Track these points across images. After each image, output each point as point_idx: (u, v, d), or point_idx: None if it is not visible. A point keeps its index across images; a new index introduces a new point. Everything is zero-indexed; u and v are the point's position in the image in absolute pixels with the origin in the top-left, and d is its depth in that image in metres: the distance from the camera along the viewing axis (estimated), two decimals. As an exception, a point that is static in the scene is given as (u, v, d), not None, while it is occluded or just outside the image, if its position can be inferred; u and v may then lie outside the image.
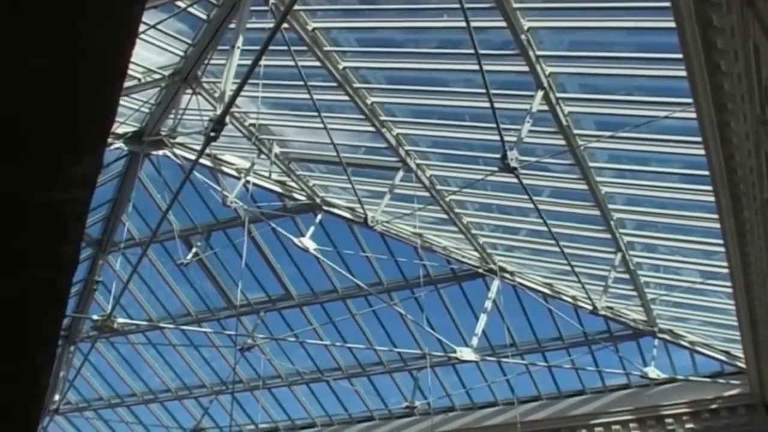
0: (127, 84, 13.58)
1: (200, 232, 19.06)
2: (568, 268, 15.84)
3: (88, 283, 20.19)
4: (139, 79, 14.48)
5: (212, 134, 12.12)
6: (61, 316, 1.76)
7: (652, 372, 18.19)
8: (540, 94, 11.82)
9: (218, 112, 12.45)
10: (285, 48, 12.23)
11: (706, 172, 10.89)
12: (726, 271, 13.53)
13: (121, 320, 17.88)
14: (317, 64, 13.07)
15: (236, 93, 11.58)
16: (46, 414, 21.31)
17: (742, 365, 17.73)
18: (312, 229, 17.34)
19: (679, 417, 19.16)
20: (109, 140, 14.83)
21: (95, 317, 17.96)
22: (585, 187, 13.91)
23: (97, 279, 19.71)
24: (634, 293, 17.23)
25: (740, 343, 16.29)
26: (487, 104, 11.22)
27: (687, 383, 18.94)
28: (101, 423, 24.45)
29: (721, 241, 12.60)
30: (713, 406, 18.91)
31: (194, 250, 18.54)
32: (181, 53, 14.16)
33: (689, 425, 19.07)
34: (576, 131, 12.64)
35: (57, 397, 21.84)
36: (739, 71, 8.28)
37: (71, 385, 22.00)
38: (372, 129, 14.53)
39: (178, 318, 21.11)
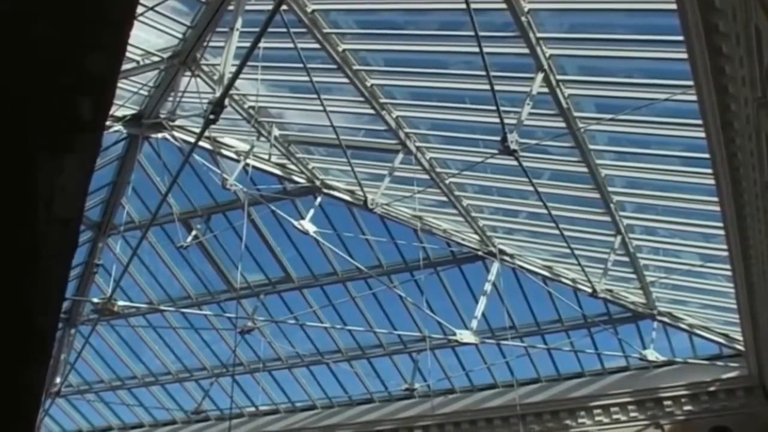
0: (125, 66, 13.57)
1: (200, 215, 19.06)
2: (567, 250, 15.86)
3: (88, 266, 20.22)
4: (138, 62, 14.43)
5: (211, 117, 12.08)
6: (63, 290, 1.78)
7: (651, 354, 18.26)
8: (540, 76, 11.78)
9: (217, 94, 12.42)
10: (284, 30, 12.17)
11: (707, 155, 10.88)
12: (725, 254, 13.55)
13: (121, 303, 17.93)
14: (316, 46, 13.01)
15: (235, 75, 11.54)
16: (48, 396, 21.41)
17: (741, 348, 17.79)
18: (312, 211, 17.33)
19: (678, 399, 19.26)
20: (108, 123, 14.81)
21: (96, 300, 18.02)
22: (585, 169, 13.89)
23: (97, 262, 19.73)
24: (633, 276, 17.25)
25: (739, 326, 16.35)
26: (487, 86, 11.18)
27: (686, 366, 19.03)
28: (102, 405, 24.57)
29: (720, 224, 12.62)
30: (711, 389, 19.00)
31: (194, 232, 18.54)
32: (180, 35, 14.09)
33: (687, 407, 19.17)
34: (576, 114, 12.60)
35: (58, 380, 21.94)
36: (740, 54, 8.25)
37: (72, 368, 22.10)
38: (372, 111, 14.49)
39: (179, 301, 21.15)
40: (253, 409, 23.22)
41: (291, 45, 12.36)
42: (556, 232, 15.12)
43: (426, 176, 15.77)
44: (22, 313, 1.64)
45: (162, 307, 20.50)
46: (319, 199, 17.55)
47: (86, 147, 1.77)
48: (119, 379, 23.76)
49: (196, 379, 23.21)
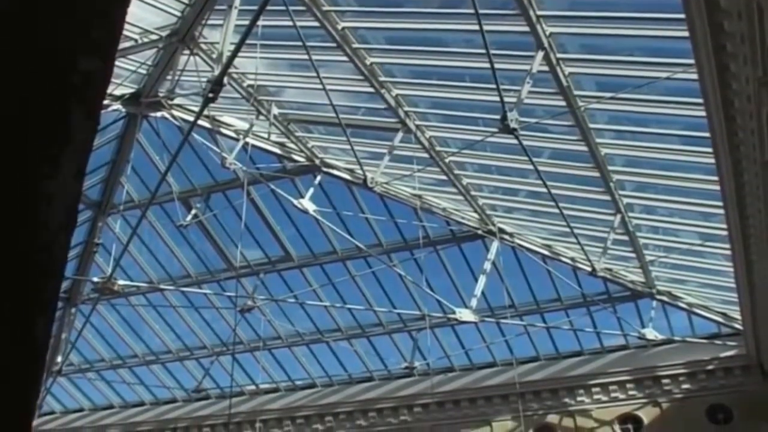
0: (123, 45, 13.48)
1: (199, 194, 19.05)
2: (567, 229, 15.86)
3: (88, 245, 20.23)
4: (136, 40, 14.34)
5: (210, 95, 12.03)
6: (60, 278, 1.80)
7: (650, 333, 18.33)
8: (540, 54, 11.72)
9: (216, 72, 12.35)
10: (283, 8, 12.08)
11: (707, 134, 10.84)
12: (725, 233, 13.55)
13: (121, 282, 17.97)
14: (316, 24, 12.93)
15: (234, 53, 11.47)
16: (50, 375, 21.52)
17: (739, 327, 17.86)
18: (311, 190, 17.32)
19: (676, 377, 19.36)
20: (107, 102, 14.76)
21: (96, 279, 18.04)
22: (585, 148, 13.86)
23: (97, 241, 19.74)
24: (632, 255, 17.27)
25: (737, 305, 16.39)
26: (487, 65, 11.12)
27: (684, 344, 19.10)
28: (103, 383, 24.70)
29: (720, 204, 12.61)
30: (709, 367, 19.10)
31: (193, 211, 18.54)
32: (178, 13, 14.00)
33: (685, 386, 19.28)
34: (576, 92, 12.56)
35: (59, 359, 22.04)
36: (742, 31, 8.20)
37: (73, 347, 22.18)
38: (371, 90, 14.43)
39: (179, 280, 21.19)
40: (253, 387, 23.34)
41: (290, 23, 12.27)
42: (556, 210, 15.12)
43: (425, 155, 15.74)
44: (21, 312, 1.66)
45: (162, 286, 20.54)
46: (318, 178, 17.53)
47: (82, 141, 1.79)
48: (120, 357, 23.87)
49: (197, 358, 23.32)
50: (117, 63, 12.76)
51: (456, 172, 16.53)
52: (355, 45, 13.52)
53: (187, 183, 19.00)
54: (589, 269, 17.49)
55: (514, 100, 12.19)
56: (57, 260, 1.76)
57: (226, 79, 12.40)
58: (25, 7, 1.69)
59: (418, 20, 13.39)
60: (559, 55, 11.99)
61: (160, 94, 16.01)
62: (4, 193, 1.64)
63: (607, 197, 15.34)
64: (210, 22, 13.89)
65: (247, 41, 11.32)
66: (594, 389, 19.99)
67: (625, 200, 15.50)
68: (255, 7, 10.80)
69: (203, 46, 14.58)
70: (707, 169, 12.71)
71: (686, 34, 9.18)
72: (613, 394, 19.84)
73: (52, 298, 1.76)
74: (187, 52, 14.50)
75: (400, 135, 15.40)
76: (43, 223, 1.69)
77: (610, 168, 14.54)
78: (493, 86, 11.56)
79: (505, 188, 17.52)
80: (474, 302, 18.17)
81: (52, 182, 1.70)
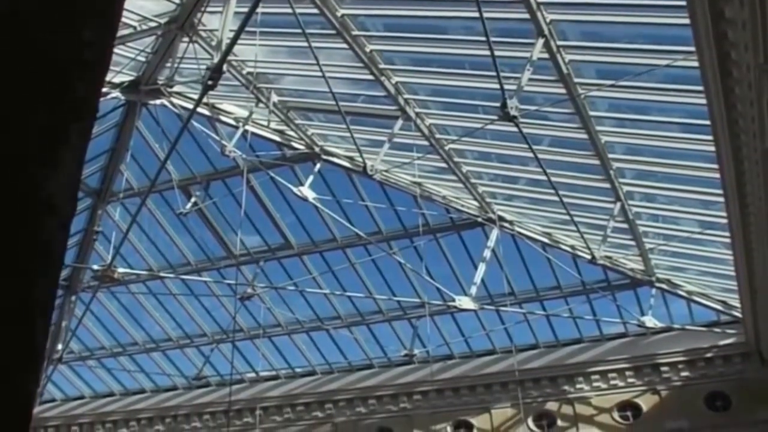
0: (122, 32, 13.44)
1: (199, 182, 19.03)
2: (567, 217, 15.87)
3: (87, 233, 20.23)
4: (135, 27, 14.29)
5: (210, 82, 12.01)
6: (58, 276, 1.82)
7: (649, 321, 18.36)
8: (540, 41, 11.68)
9: (215, 60, 12.32)
10: (282, -6, 12.05)
11: (707, 122, 10.82)
12: (725, 221, 13.55)
13: (121, 270, 17.98)
14: (315, 11, 12.89)
15: (233, 40, 11.44)
16: (50, 363, 21.57)
17: (738, 315, 17.88)
18: (311, 178, 17.30)
19: (675, 365, 19.40)
20: (106, 89, 14.73)
21: (96, 267, 18.04)
22: (585, 136, 13.84)
23: (97, 229, 19.73)
24: (632, 243, 17.28)
25: (737, 293, 16.41)
26: (487, 52, 11.09)
27: (683, 332, 19.14)
28: (104, 371, 24.75)
29: (720, 191, 12.60)
30: (708, 355, 19.14)
31: (193, 199, 18.52)
32: (177, 0, 13.95)
33: (684, 373, 19.32)
34: (576, 80, 12.52)
35: (60, 347, 22.07)
36: (743, 18, 8.16)
37: (73, 335, 22.21)
38: (371, 77, 14.40)
39: (178, 267, 21.20)
40: (253, 374, 23.40)
41: (289, 10, 12.24)
42: (556, 198, 15.11)
43: (425, 142, 15.71)
44: (21, 312, 1.67)
45: (162, 274, 20.54)
46: (318, 166, 17.50)
47: (80, 138, 1.80)
48: (120, 345, 23.91)
49: (197, 345, 23.36)
50: (116, 50, 12.72)
51: (456, 159, 16.51)
52: (355, 32, 13.47)
53: (187, 171, 18.98)
54: (589, 257, 17.51)
55: (514, 87, 12.16)
56: (56, 258, 1.77)
57: (225, 67, 12.38)
58: (23, 7, 1.69)
59: (418, 7, 13.34)
60: (559, 43, 11.95)
61: (160, 82, 15.97)
62: (4, 194, 1.65)
63: (606, 185, 15.33)
64: (209, 9, 13.84)
65: (247, 28, 11.29)
66: (593, 377, 20.04)
67: (625, 188, 15.50)
68: (254, -6, 10.76)
69: (202, 34, 14.52)
70: (707, 156, 12.69)
71: (687, 21, 9.15)
72: (612, 382, 19.90)
73: (51, 297, 1.77)
74: (186, 39, 14.45)
75: (399, 122, 15.37)
76: (42, 223, 1.70)
77: (610, 156, 14.53)
78: (493, 74, 11.53)
79: (505, 176, 17.51)
80: (474, 290, 18.18)
81: (51, 182, 1.71)
